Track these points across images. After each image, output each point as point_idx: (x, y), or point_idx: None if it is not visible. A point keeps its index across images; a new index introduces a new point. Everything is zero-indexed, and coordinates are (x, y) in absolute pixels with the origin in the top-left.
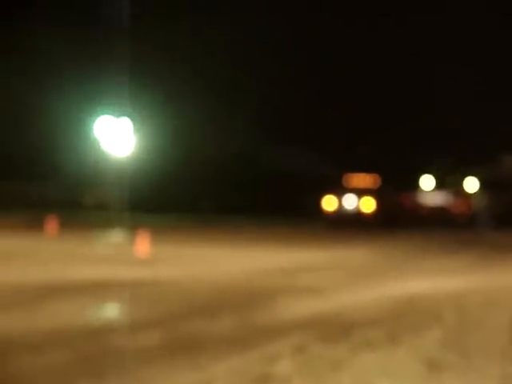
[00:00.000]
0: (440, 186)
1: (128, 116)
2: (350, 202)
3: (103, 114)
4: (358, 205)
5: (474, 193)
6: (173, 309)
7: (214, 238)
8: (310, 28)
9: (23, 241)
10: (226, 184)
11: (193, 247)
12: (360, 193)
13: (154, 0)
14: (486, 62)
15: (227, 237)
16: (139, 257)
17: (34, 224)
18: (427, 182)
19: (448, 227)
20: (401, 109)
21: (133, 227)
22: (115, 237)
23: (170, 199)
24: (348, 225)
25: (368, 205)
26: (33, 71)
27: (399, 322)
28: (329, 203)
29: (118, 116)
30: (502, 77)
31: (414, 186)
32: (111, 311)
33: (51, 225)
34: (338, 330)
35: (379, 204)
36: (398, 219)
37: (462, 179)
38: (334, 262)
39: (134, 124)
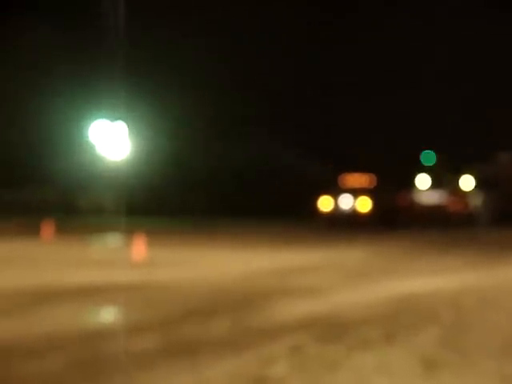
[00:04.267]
0: (436, 184)
1: (123, 120)
2: (346, 202)
3: (98, 117)
4: (353, 205)
5: (470, 191)
6: (169, 312)
7: (209, 240)
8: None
9: (19, 246)
10: (220, 186)
11: (188, 250)
12: (356, 193)
13: (149, 4)
14: (480, 59)
15: (222, 239)
16: (135, 260)
17: (30, 229)
18: (423, 180)
19: (444, 226)
20: (395, 107)
21: (129, 231)
22: (111, 241)
23: (165, 202)
24: (344, 225)
25: (364, 205)
26: (27, 74)
27: (395, 322)
28: (325, 204)
29: (113, 120)
30: (496, 75)
31: (410, 185)
32: (107, 315)
33: (47, 229)
34: (334, 330)
35: (375, 204)
36: (394, 219)
37: (458, 177)
38: (330, 262)
39: (129, 128)
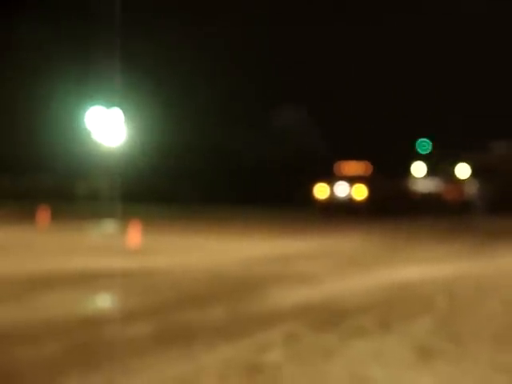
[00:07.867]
0: (431, 172)
1: (119, 106)
2: (342, 189)
3: (94, 104)
4: (349, 192)
5: (466, 179)
6: (164, 298)
7: (205, 228)
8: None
9: (15, 232)
10: (216, 173)
11: (184, 237)
12: (352, 180)
13: None
14: (478, 50)
15: (218, 226)
16: (131, 247)
17: (26, 215)
18: (419, 168)
19: (440, 214)
20: (392, 96)
21: (124, 217)
22: (107, 227)
23: (160, 189)
24: (340, 213)
25: (360, 192)
26: (24, 63)
27: (390, 310)
28: (320, 191)
29: (109, 106)
30: (492, 64)
31: (406, 172)
32: (103, 301)
33: (43, 216)
34: (329, 318)
35: (371, 191)
36: (390, 206)
37: (454, 166)
38: (325, 249)
39: (124, 114)
